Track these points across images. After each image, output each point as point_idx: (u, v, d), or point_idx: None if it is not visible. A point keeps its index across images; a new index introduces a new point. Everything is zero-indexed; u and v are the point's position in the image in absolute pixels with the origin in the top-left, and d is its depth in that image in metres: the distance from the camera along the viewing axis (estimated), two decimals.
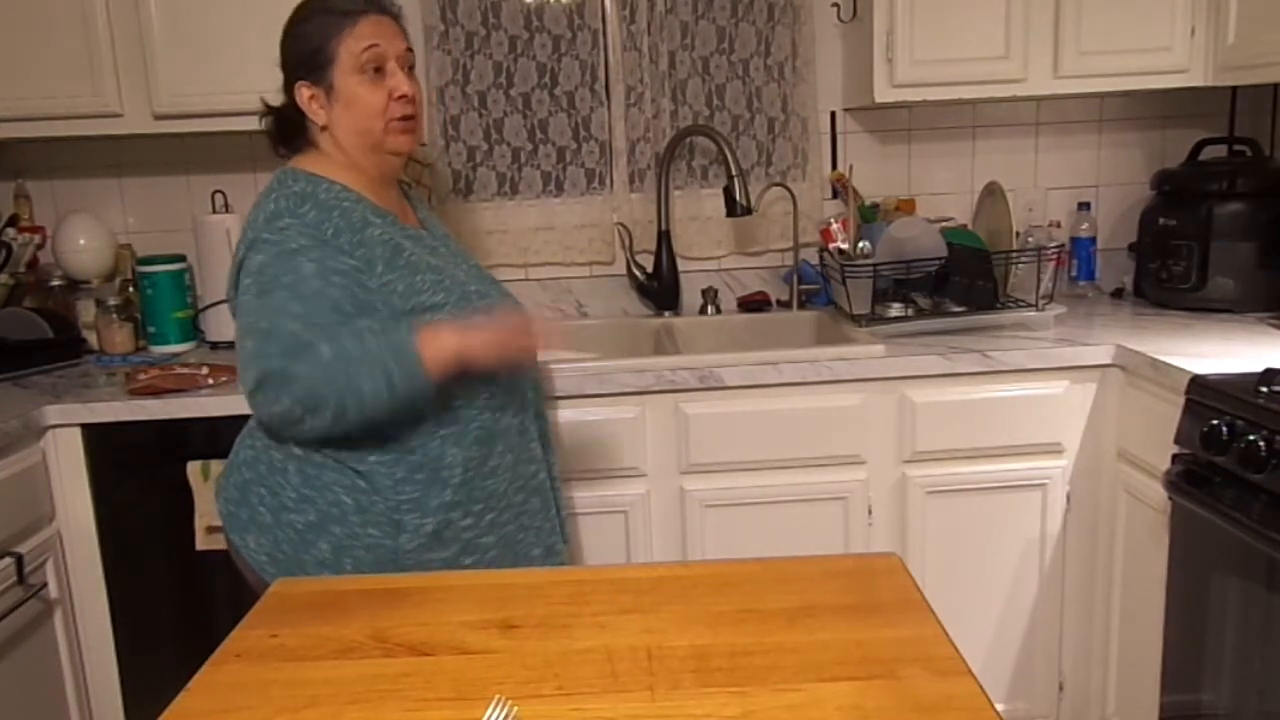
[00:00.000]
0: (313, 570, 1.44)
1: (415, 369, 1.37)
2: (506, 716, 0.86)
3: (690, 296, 2.62)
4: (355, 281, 1.40)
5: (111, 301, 2.37)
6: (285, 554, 1.46)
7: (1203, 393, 1.70)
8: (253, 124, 2.19)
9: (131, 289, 2.45)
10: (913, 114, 2.60)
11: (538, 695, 0.90)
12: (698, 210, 2.60)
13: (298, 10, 1.52)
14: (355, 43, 1.47)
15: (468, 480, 1.47)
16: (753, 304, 2.60)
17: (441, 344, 1.40)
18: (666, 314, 2.57)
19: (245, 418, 1.56)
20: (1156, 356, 1.87)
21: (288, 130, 1.54)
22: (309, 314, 1.36)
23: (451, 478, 1.46)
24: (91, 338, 2.40)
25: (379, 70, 1.48)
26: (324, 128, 1.50)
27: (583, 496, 2.04)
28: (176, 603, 2.03)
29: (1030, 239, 2.40)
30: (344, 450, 1.44)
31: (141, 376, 2.02)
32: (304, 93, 1.49)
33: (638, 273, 2.57)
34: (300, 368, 1.34)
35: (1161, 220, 2.36)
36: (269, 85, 2.19)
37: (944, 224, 2.41)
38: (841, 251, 2.39)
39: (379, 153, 1.51)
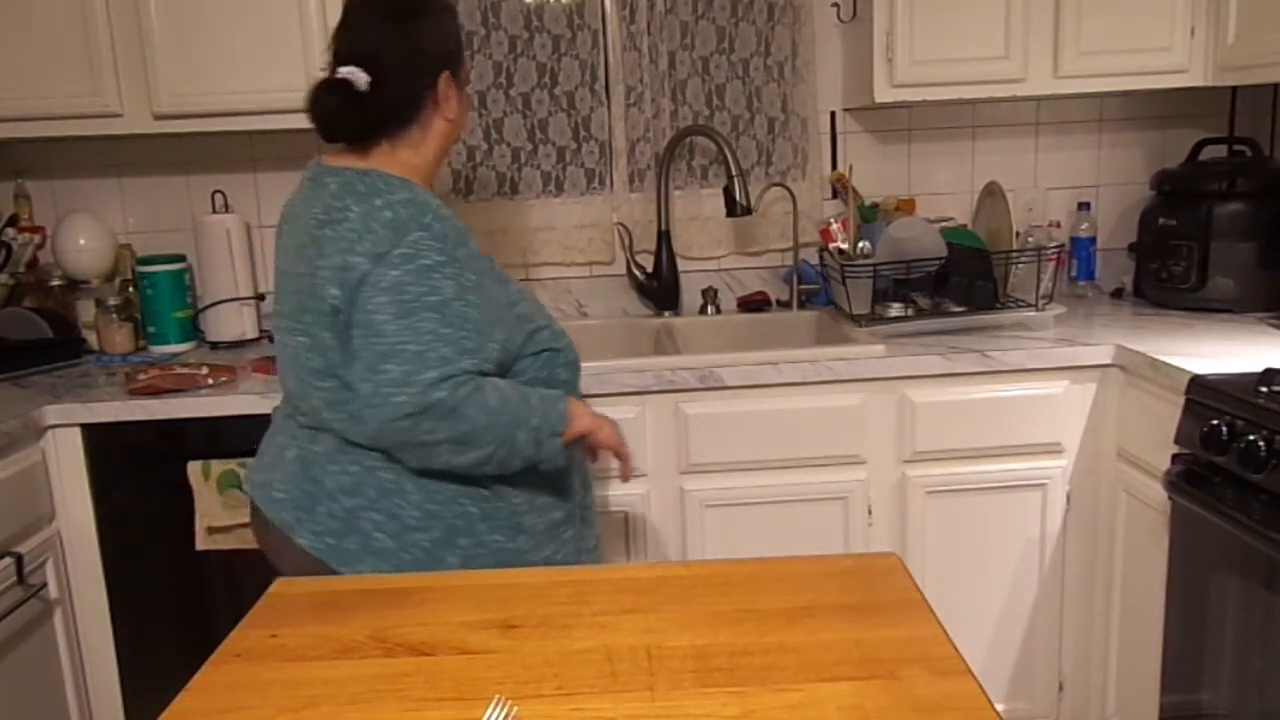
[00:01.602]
0: None
1: (557, 437, 1.42)
2: (506, 716, 0.86)
3: (690, 296, 2.62)
4: (481, 300, 1.38)
5: (111, 301, 2.37)
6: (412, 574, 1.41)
7: (1203, 393, 1.70)
8: (253, 124, 2.21)
9: (131, 289, 2.45)
10: (913, 114, 2.60)
11: (538, 695, 0.90)
12: (698, 210, 2.60)
13: (433, 2, 1.45)
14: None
15: (564, 476, 1.51)
16: (753, 304, 2.60)
17: (582, 423, 1.47)
18: (666, 314, 2.57)
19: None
20: (1156, 356, 1.87)
21: (365, 118, 1.41)
22: (458, 340, 1.33)
23: (554, 476, 1.48)
24: (91, 338, 2.40)
25: None
26: (450, 120, 1.46)
27: None
28: (176, 603, 2.03)
29: (1030, 239, 2.40)
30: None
31: (141, 376, 2.02)
32: (446, 85, 1.44)
33: (638, 273, 2.57)
34: (469, 409, 1.32)
35: (1161, 220, 2.36)
36: (269, 85, 2.20)
37: (944, 224, 2.41)
38: (841, 251, 2.39)
39: (445, 160, 1.51)
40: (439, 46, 1.44)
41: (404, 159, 1.44)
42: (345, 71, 1.38)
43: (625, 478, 1.60)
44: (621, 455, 1.56)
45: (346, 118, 1.40)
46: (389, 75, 1.39)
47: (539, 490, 1.48)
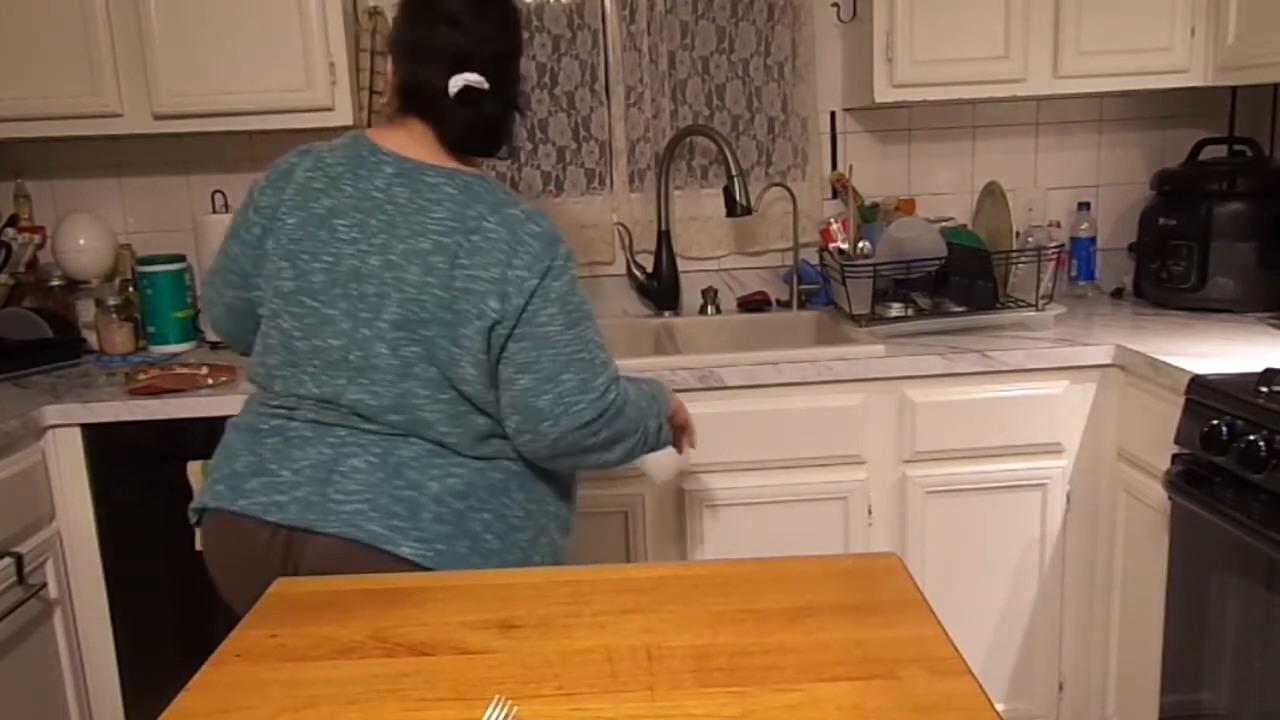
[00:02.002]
0: None
1: (666, 425, 1.52)
2: (506, 716, 0.86)
3: (690, 296, 2.62)
4: None
5: (111, 301, 2.37)
6: None
7: (1203, 393, 1.70)
8: (253, 124, 2.21)
9: (131, 289, 2.45)
10: (913, 114, 2.60)
11: (538, 695, 0.90)
12: (698, 210, 2.60)
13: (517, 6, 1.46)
14: None
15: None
16: (753, 304, 2.60)
17: (673, 403, 1.57)
18: (666, 314, 2.57)
19: None
20: (1156, 356, 1.87)
21: (491, 128, 1.40)
22: (606, 344, 1.41)
23: (574, 494, 1.55)
24: (91, 338, 2.40)
25: None
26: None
27: (583, 496, 2.04)
28: (176, 603, 2.03)
29: (1030, 239, 2.40)
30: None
31: (141, 376, 2.02)
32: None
33: (638, 273, 2.57)
34: (627, 407, 1.40)
35: (1161, 220, 2.36)
36: (269, 85, 2.21)
37: (944, 224, 2.42)
38: (841, 251, 2.39)
39: None
40: (521, 53, 1.46)
41: (474, 161, 1.44)
42: (473, 79, 1.35)
43: (693, 446, 1.68)
44: (691, 428, 1.66)
45: (492, 126, 1.40)
46: (508, 82, 1.40)
47: (574, 491, 1.55)
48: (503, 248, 1.31)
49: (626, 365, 2.00)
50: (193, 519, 1.44)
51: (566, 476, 1.50)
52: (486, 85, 1.36)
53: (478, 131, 1.39)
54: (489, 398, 1.36)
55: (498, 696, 0.89)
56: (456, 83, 1.34)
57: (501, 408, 1.36)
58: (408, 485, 1.32)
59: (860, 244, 2.33)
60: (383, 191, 1.34)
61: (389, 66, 1.43)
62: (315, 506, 1.31)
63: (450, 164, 1.38)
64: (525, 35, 2.48)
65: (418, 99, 1.37)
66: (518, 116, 1.45)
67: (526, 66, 2.52)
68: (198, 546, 1.93)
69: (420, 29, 1.36)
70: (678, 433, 1.62)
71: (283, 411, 1.39)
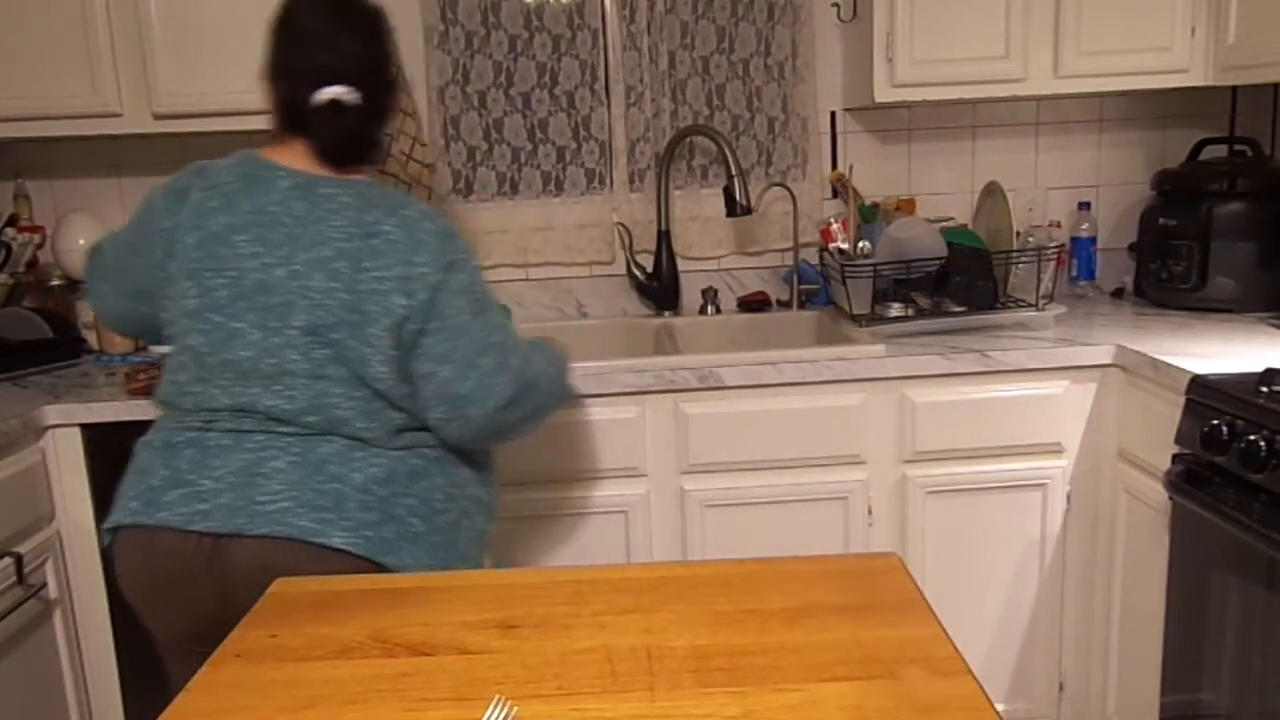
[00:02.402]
0: (457, 565, 1.47)
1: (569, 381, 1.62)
2: (506, 716, 0.86)
3: (690, 296, 2.62)
4: None
5: None
6: (438, 559, 1.42)
7: (1203, 393, 1.70)
8: (252, 124, 2.21)
9: None
10: (913, 114, 2.60)
11: (538, 695, 0.90)
12: (698, 210, 2.60)
13: (386, 19, 1.51)
14: None
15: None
16: (753, 304, 2.60)
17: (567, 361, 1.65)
18: (666, 314, 2.57)
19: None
20: (1156, 356, 1.87)
21: (363, 139, 1.46)
22: (511, 324, 1.50)
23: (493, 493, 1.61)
24: (91, 338, 2.40)
25: None
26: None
27: (583, 496, 2.04)
28: None
29: (1030, 239, 2.40)
30: (461, 450, 1.50)
31: (141, 376, 2.02)
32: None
33: (638, 273, 2.57)
34: (539, 379, 1.49)
35: (1161, 220, 2.36)
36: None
37: (944, 224, 2.42)
38: (841, 251, 2.39)
39: None
40: (396, 64, 1.51)
41: (361, 171, 1.48)
42: (337, 92, 1.40)
43: None
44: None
45: (352, 137, 1.43)
46: (377, 93, 1.45)
47: (494, 478, 1.61)
48: (402, 248, 1.37)
49: (626, 365, 2.01)
50: (104, 541, 1.43)
51: (485, 463, 1.55)
52: (356, 96, 1.41)
53: (348, 141, 1.43)
54: (401, 392, 1.40)
55: (498, 696, 0.89)
56: (323, 95, 1.40)
57: (424, 401, 1.41)
58: (331, 479, 1.36)
59: (860, 244, 2.33)
60: (280, 205, 1.39)
61: (266, 88, 1.47)
62: (241, 510, 1.33)
63: (341, 176, 1.43)
64: (527, 35, 2.50)
65: (291, 116, 1.43)
66: (386, 121, 1.52)
67: (525, 66, 2.52)
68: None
69: (287, 49, 1.42)
70: None
71: (197, 425, 1.40)
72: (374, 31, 1.46)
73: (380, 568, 1.36)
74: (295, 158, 1.44)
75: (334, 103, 1.40)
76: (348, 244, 1.36)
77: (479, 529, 1.52)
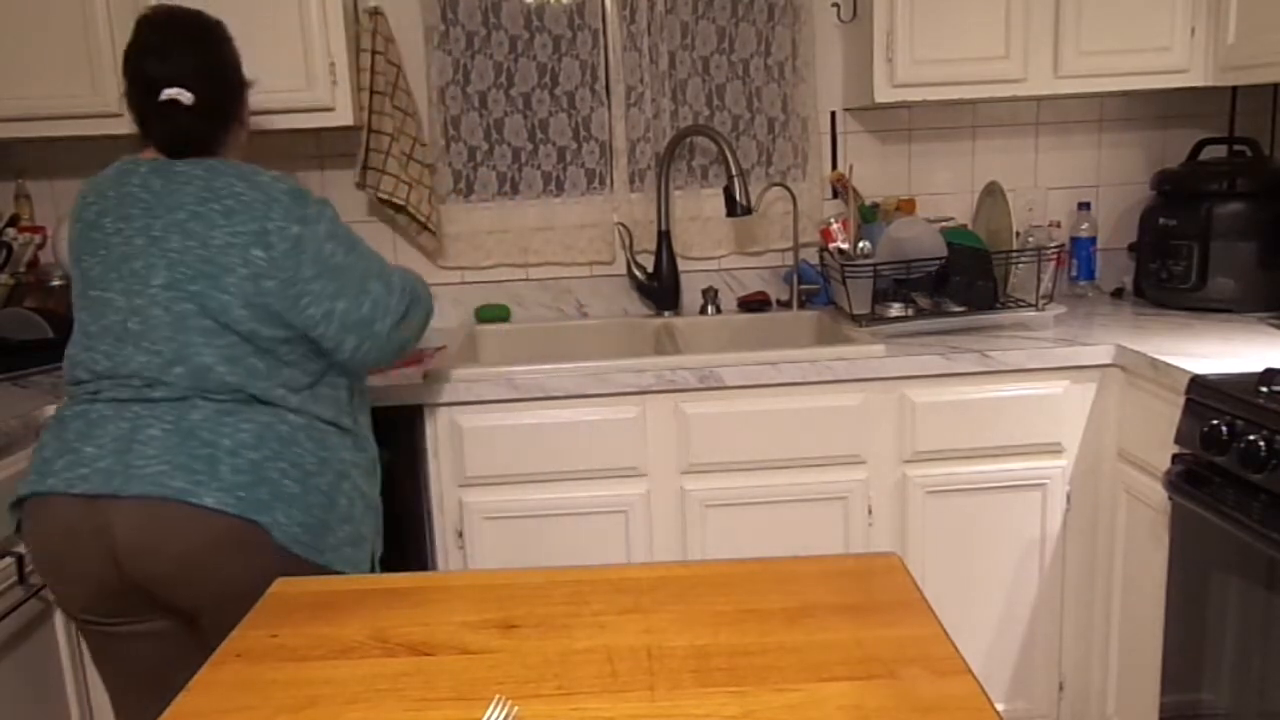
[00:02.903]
0: (336, 527, 1.55)
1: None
2: (506, 716, 0.86)
3: (690, 296, 2.62)
4: None
5: None
6: (315, 518, 1.51)
7: (1203, 393, 1.70)
8: (251, 124, 2.21)
9: None
10: (913, 114, 2.60)
11: (538, 695, 0.90)
12: (698, 210, 2.60)
13: (214, 19, 1.65)
14: None
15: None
16: (753, 304, 2.60)
17: None
18: (666, 314, 2.57)
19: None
20: (1156, 356, 1.87)
21: (202, 132, 1.59)
22: (375, 253, 1.65)
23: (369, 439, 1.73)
24: None
25: None
26: (244, 124, 1.69)
27: (583, 496, 2.05)
28: None
29: (1030, 239, 2.40)
30: (336, 415, 1.61)
31: None
32: (246, 94, 1.68)
33: (638, 273, 2.57)
34: (418, 290, 1.69)
35: (1161, 220, 2.36)
36: (268, 85, 2.20)
37: (944, 224, 2.42)
38: (841, 251, 2.39)
39: None
40: (239, 64, 1.65)
41: (219, 156, 1.61)
42: (172, 92, 1.54)
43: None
44: None
45: (191, 131, 1.56)
46: (211, 93, 1.57)
47: (368, 442, 1.72)
48: (257, 207, 1.50)
49: (626, 365, 2.01)
50: (12, 521, 1.54)
51: (349, 425, 1.64)
52: (191, 97, 1.54)
53: (183, 135, 1.56)
54: (267, 334, 1.51)
55: (498, 696, 0.89)
56: (162, 96, 1.54)
57: (334, 339, 1.55)
58: (202, 444, 1.46)
59: (860, 244, 2.33)
60: (139, 186, 1.54)
61: (126, 100, 1.60)
62: (118, 474, 1.44)
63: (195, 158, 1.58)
64: (527, 35, 2.50)
65: (141, 118, 1.57)
66: (233, 120, 1.64)
67: (525, 66, 2.52)
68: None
69: (132, 63, 1.57)
70: None
71: (85, 398, 1.53)
72: (204, 41, 1.60)
73: (254, 526, 1.45)
74: (156, 154, 1.59)
75: (171, 102, 1.54)
76: (200, 207, 1.50)
77: (360, 489, 1.62)
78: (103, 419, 1.49)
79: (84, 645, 2.00)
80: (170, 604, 1.49)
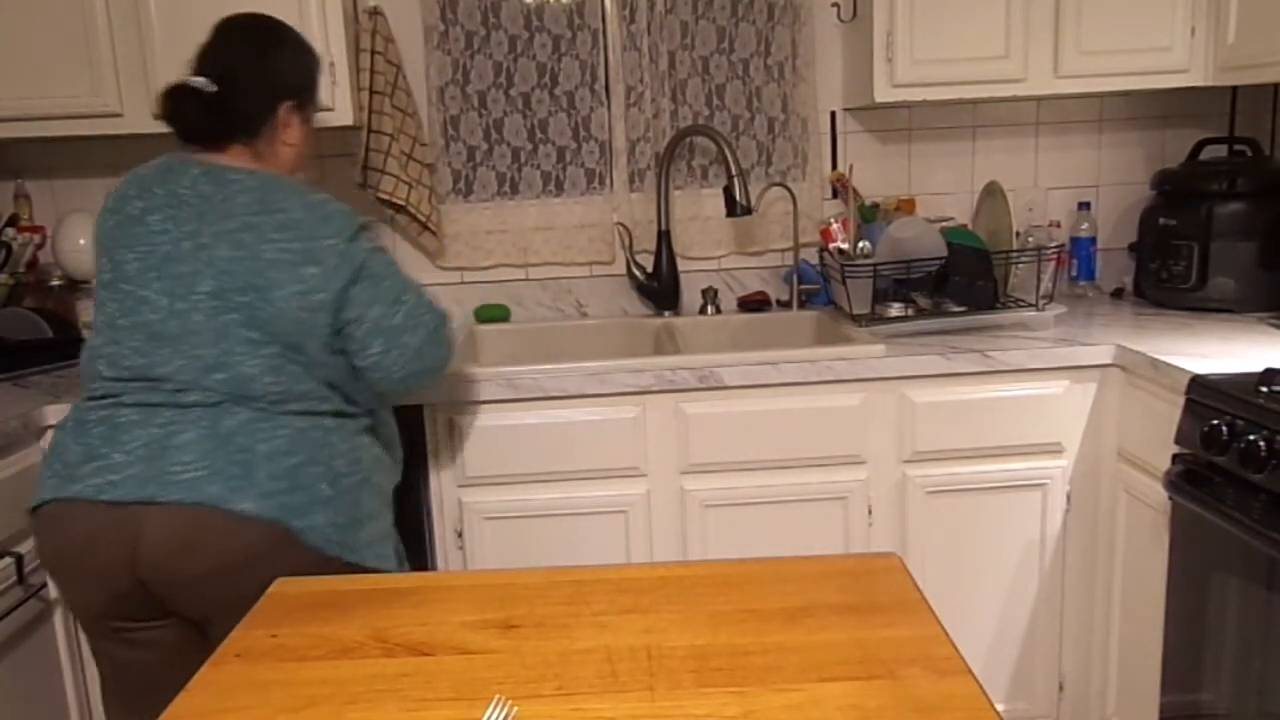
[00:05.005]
0: (366, 524, 1.56)
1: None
2: (506, 716, 0.86)
3: (690, 296, 2.62)
4: None
5: None
6: (345, 519, 1.51)
7: (1203, 393, 1.70)
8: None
9: None
10: (913, 114, 2.60)
11: (538, 695, 0.90)
12: (698, 210, 2.60)
13: (297, 37, 1.66)
14: (319, 93, 1.73)
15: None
16: (753, 304, 2.60)
17: None
18: (666, 314, 2.57)
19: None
20: (1156, 356, 1.87)
21: (215, 122, 1.58)
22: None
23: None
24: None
25: None
26: (290, 145, 1.64)
27: (583, 496, 2.05)
28: None
29: (1030, 239, 2.40)
30: (357, 417, 1.62)
31: None
32: (288, 113, 1.62)
33: (638, 273, 2.57)
34: (447, 320, 1.67)
35: (1161, 220, 2.36)
36: None
37: (944, 224, 2.41)
38: (841, 251, 2.39)
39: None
40: (283, 78, 1.62)
41: (269, 167, 1.61)
42: (195, 80, 1.55)
43: None
44: None
45: (201, 120, 1.57)
46: (233, 89, 1.56)
47: (392, 438, 1.75)
48: (307, 224, 1.50)
49: (626, 365, 2.01)
50: (35, 525, 1.51)
51: (377, 425, 1.68)
52: (209, 86, 1.55)
53: (183, 122, 1.57)
54: (311, 344, 1.51)
55: (498, 696, 0.89)
56: (186, 82, 1.56)
57: (360, 342, 1.54)
58: (239, 449, 1.44)
59: (860, 244, 2.33)
60: (189, 189, 1.53)
61: None
62: (152, 480, 1.42)
63: (244, 164, 1.58)
64: (527, 35, 2.50)
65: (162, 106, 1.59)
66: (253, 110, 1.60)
67: (525, 66, 2.52)
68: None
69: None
70: None
71: (109, 401, 1.49)
72: (263, 44, 1.61)
73: (289, 531, 1.44)
74: (201, 154, 1.59)
75: (185, 87, 1.56)
76: (253, 218, 1.49)
77: (382, 488, 1.63)
78: (130, 424, 1.46)
79: (83, 644, 2.00)
80: (185, 611, 1.48)
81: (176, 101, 1.56)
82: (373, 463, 1.61)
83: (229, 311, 1.47)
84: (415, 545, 2.04)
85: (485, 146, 2.56)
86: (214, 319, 1.47)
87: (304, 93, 1.66)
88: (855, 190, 2.53)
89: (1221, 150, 2.45)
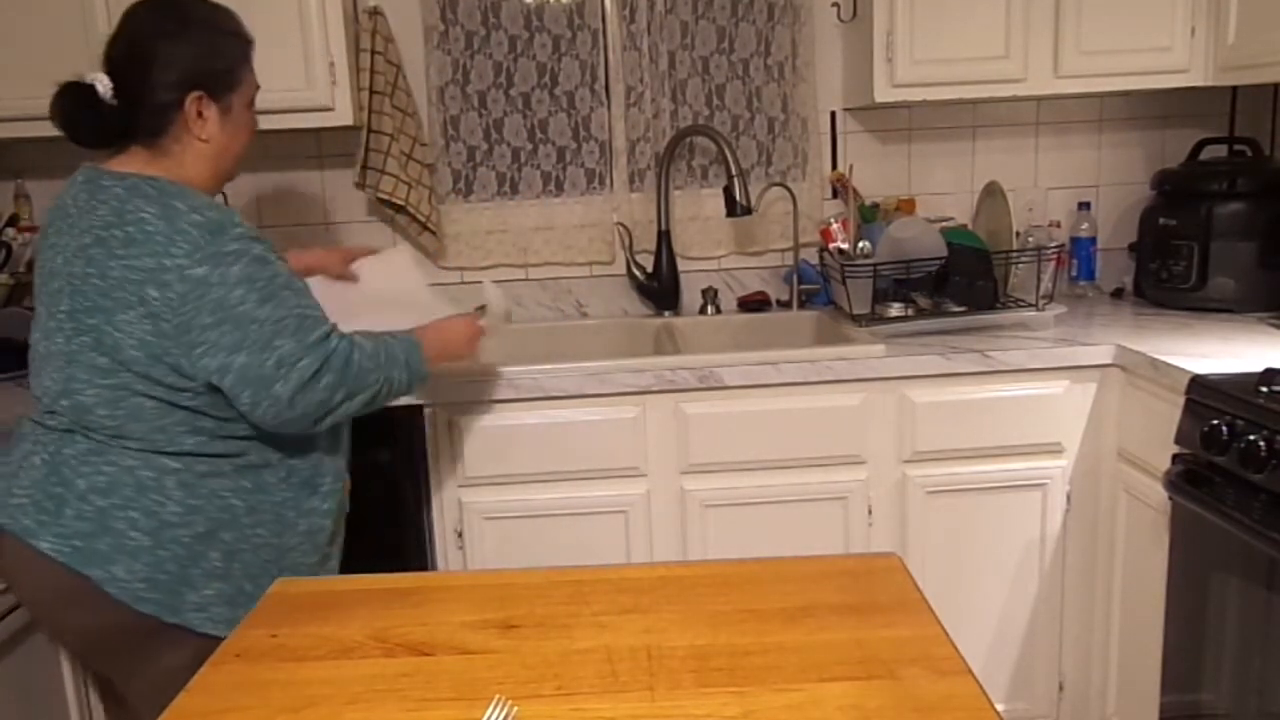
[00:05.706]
0: (200, 583, 1.42)
1: (425, 364, 1.59)
2: (506, 716, 0.86)
3: (690, 296, 2.62)
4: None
5: None
6: (170, 573, 1.40)
7: (1203, 393, 1.70)
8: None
9: None
10: (913, 114, 2.60)
11: (538, 695, 0.90)
12: (698, 210, 2.60)
13: (208, 20, 1.48)
14: (252, 75, 1.54)
15: (334, 491, 1.58)
16: (753, 304, 2.60)
17: (439, 345, 1.65)
18: (666, 314, 2.57)
19: None
20: (1156, 356, 1.87)
21: (103, 125, 1.45)
22: (315, 307, 1.45)
23: (322, 485, 1.56)
24: None
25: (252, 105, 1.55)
26: (204, 140, 1.47)
27: (583, 496, 2.05)
28: None
29: (1030, 239, 2.40)
30: (228, 456, 1.45)
31: None
32: (197, 105, 1.45)
33: (638, 273, 2.57)
34: (355, 355, 1.45)
35: (1161, 220, 2.36)
36: (268, 85, 2.18)
37: (944, 224, 2.41)
38: (841, 251, 2.39)
39: (226, 178, 1.55)
40: (193, 65, 1.43)
41: (184, 167, 1.46)
42: (91, 77, 1.42)
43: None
44: (478, 333, 1.74)
45: (81, 122, 1.43)
46: (127, 85, 1.42)
47: (303, 494, 1.54)
48: (159, 239, 1.35)
49: (626, 365, 2.01)
50: None
51: (288, 464, 1.51)
52: (106, 82, 1.42)
53: (61, 124, 1.44)
54: (163, 379, 1.37)
55: (498, 696, 0.89)
56: (83, 79, 1.43)
57: (229, 391, 1.39)
58: (60, 482, 1.39)
59: (860, 244, 2.33)
60: (71, 200, 1.45)
61: None
62: (1, 503, 1.42)
63: (133, 169, 1.44)
64: (527, 35, 2.50)
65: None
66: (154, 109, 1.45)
67: (525, 66, 2.52)
68: None
69: None
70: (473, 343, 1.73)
71: (29, 416, 1.50)
72: (169, 28, 1.44)
73: (83, 579, 1.36)
74: (100, 158, 1.49)
75: (73, 86, 1.43)
76: (104, 231, 1.37)
77: (253, 538, 1.47)
78: (20, 439, 1.48)
79: None
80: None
81: (62, 103, 1.42)
82: (240, 514, 1.45)
83: (81, 334, 1.38)
84: (415, 545, 2.04)
85: (485, 146, 2.56)
86: (71, 341, 1.40)
87: (217, 80, 1.46)
88: (855, 190, 2.53)
89: (1221, 150, 2.45)
